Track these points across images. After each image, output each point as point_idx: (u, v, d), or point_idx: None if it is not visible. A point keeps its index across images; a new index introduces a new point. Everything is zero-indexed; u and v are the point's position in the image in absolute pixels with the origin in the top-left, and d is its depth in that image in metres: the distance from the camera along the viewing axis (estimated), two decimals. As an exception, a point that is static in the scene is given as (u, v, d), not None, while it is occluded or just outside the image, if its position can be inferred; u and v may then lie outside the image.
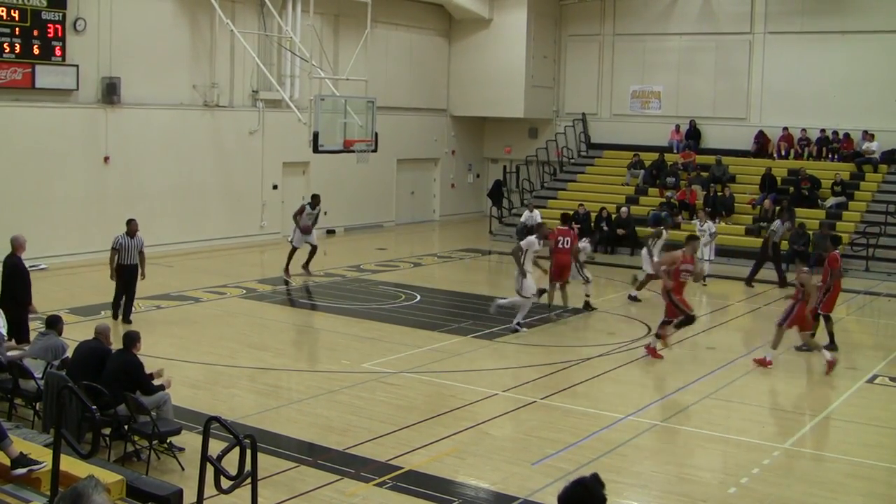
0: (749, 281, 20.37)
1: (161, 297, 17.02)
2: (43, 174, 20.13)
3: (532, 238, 15.76)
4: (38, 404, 9.92)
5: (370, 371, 12.92)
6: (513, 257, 15.74)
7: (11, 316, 11.94)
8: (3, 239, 18.63)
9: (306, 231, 19.83)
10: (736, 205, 25.35)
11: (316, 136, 20.73)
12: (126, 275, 15.03)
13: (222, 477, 6.78)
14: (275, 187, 25.45)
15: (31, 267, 13.73)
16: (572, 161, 30.45)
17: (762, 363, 13.59)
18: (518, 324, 15.47)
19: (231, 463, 6.84)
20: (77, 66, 20.39)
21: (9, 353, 10.33)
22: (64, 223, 20.23)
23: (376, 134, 22.26)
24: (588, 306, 17.31)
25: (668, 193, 26.35)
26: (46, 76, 19.89)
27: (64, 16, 20.08)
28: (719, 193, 25.54)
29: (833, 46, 26.43)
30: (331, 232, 19.92)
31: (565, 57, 31.22)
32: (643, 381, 13.40)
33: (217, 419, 7.10)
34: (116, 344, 10.02)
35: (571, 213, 19.33)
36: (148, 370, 9.66)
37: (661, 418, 11.17)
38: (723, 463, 10.00)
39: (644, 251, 18.77)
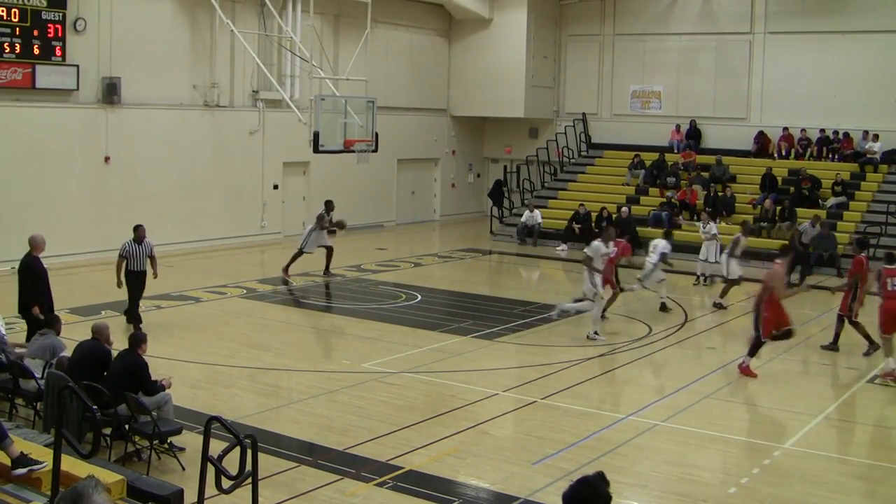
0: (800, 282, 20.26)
1: (161, 297, 17.01)
2: (43, 174, 20.14)
3: (597, 243, 15.47)
4: (38, 404, 9.92)
5: (370, 371, 12.93)
6: (583, 265, 15.39)
7: (30, 316, 11.93)
8: (3, 239, 18.82)
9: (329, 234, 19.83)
10: (736, 205, 25.35)
11: (316, 136, 20.75)
12: (134, 281, 14.70)
13: (223, 477, 6.78)
14: (275, 187, 25.46)
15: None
16: (573, 161, 30.44)
17: (890, 375, 13.05)
18: (595, 332, 15.07)
19: (231, 463, 6.84)
20: (77, 66, 20.39)
21: (16, 351, 10.33)
22: (64, 223, 20.20)
23: (376, 134, 22.29)
24: (664, 307, 17.46)
25: (669, 193, 26.35)
26: (47, 76, 19.90)
27: (64, 16, 20.08)
28: (720, 193, 25.54)
29: (833, 46, 26.41)
30: (331, 232, 19.94)
31: (565, 57, 31.21)
32: (643, 381, 13.41)
33: (218, 419, 7.11)
34: (118, 342, 10.01)
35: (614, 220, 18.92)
36: (155, 378, 9.62)
37: (661, 418, 11.16)
38: (723, 463, 9.99)
39: (724, 257, 18.83)
